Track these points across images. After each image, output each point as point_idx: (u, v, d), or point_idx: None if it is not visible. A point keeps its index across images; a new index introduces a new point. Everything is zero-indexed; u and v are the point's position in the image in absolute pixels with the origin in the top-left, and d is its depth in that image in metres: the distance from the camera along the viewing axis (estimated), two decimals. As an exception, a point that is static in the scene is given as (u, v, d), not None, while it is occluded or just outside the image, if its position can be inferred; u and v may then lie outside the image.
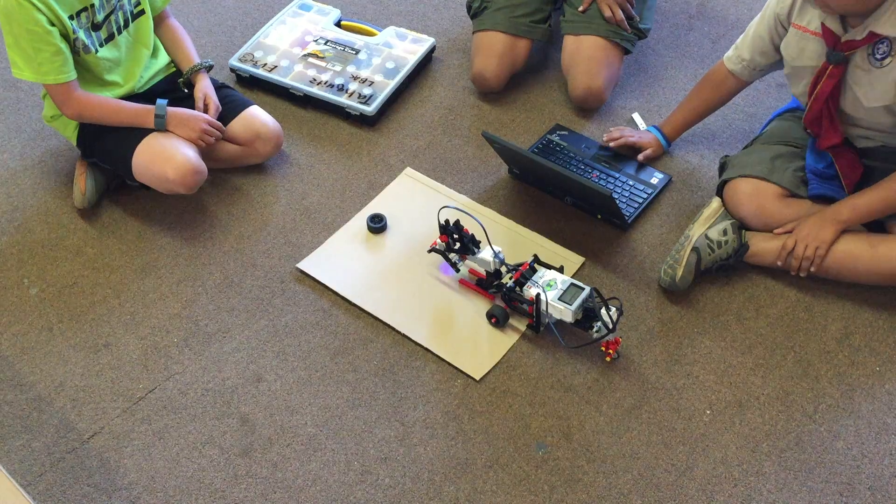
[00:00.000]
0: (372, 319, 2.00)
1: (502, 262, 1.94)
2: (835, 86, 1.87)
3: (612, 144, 2.33)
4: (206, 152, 2.19)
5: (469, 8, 2.58)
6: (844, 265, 1.95)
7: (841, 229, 1.94)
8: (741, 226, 2.04)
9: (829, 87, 1.87)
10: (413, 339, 1.95)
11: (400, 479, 1.74)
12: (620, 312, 1.85)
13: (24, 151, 2.41)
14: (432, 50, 2.63)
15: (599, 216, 2.19)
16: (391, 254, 2.13)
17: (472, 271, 2.03)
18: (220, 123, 2.19)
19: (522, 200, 2.26)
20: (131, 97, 2.19)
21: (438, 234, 1.98)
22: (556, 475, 1.74)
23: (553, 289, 1.87)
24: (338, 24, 2.70)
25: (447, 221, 1.95)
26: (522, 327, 1.96)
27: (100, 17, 2.06)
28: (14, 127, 2.48)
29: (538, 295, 1.85)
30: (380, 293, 2.04)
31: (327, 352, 1.95)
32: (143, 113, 2.11)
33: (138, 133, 2.11)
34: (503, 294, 1.95)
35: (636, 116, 2.46)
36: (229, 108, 2.26)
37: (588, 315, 1.87)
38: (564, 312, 1.85)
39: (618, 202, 2.11)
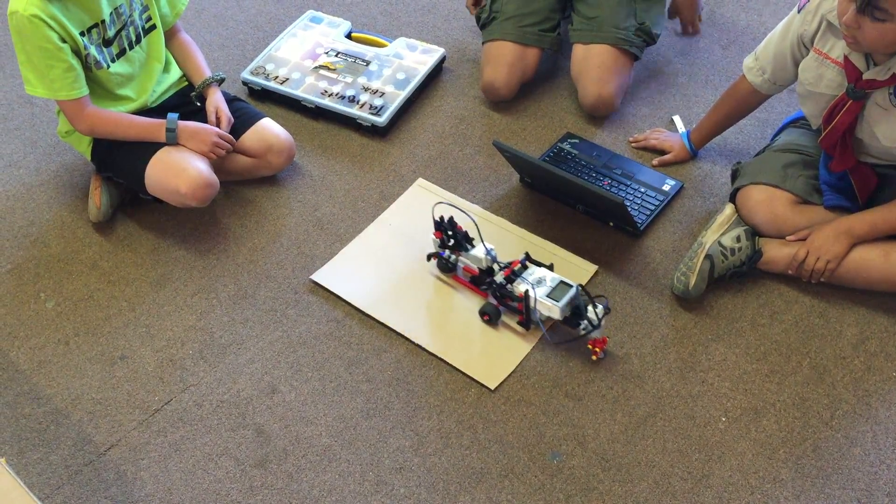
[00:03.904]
0: (385, 330, 2.01)
1: (494, 260, 1.97)
2: (852, 120, 1.84)
3: (633, 146, 2.34)
4: (218, 165, 2.20)
5: (478, 18, 2.58)
6: (857, 273, 1.94)
7: (854, 243, 1.93)
8: (754, 232, 2.03)
9: (846, 122, 1.84)
10: (427, 349, 1.96)
11: (415, 489, 1.74)
12: (607, 310, 1.86)
13: (39, 166, 2.43)
14: (442, 60, 2.64)
15: (611, 224, 2.19)
16: (404, 264, 2.13)
17: (466, 269, 2.05)
18: (230, 136, 2.21)
19: (534, 209, 2.26)
20: (144, 111, 2.21)
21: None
22: (572, 484, 1.74)
23: (542, 286, 1.89)
24: (348, 36, 2.71)
25: (441, 218, 1.98)
26: (536, 337, 1.96)
27: (111, 32, 2.08)
28: (29, 143, 2.50)
29: (527, 291, 1.87)
30: (393, 303, 2.05)
31: (341, 362, 1.96)
32: (154, 127, 2.12)
33: (150, 147, 2.12)
34: (494, 291, 1.97)
35: (676, 119, 2.46)
36: (241, 121, 2.27)
37: (576, 313, 1.89)
38: (552, 309, 1.86)
39: (629, 209, 2.11)
